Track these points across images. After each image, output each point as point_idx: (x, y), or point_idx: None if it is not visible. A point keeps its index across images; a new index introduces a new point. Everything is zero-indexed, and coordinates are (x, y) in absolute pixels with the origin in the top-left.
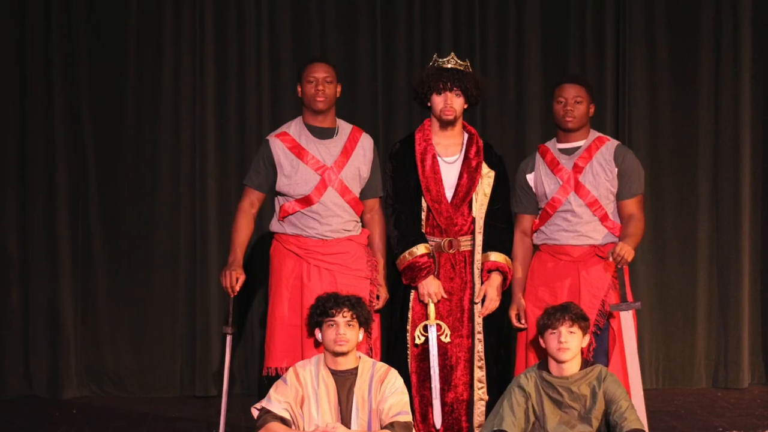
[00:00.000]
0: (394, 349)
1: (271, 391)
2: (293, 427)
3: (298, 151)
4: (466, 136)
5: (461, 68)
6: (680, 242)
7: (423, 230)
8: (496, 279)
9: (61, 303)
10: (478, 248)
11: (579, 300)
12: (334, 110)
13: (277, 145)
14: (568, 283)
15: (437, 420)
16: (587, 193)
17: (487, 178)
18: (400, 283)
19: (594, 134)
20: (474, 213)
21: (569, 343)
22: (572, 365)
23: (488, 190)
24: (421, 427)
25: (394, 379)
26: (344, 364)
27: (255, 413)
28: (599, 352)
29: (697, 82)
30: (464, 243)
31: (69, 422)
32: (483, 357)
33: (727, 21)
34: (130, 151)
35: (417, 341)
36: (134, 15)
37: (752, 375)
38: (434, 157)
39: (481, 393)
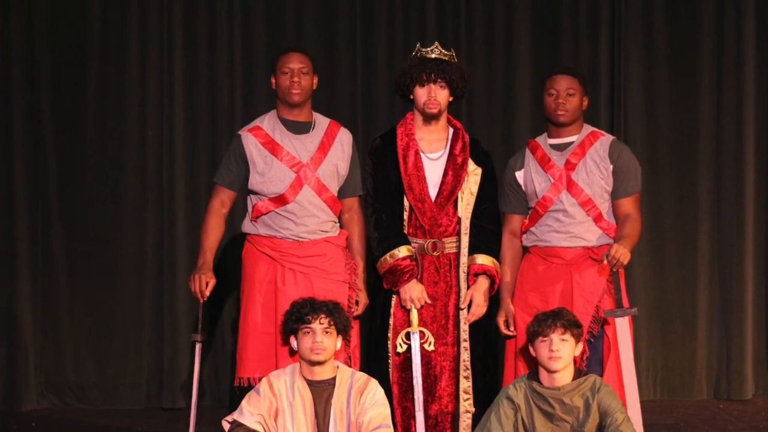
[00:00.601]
0: (375, 358)
1: (243, 402)
2: None
3: (272, 146)
4: (451, 130)
5: (446, 58)
6: (679, 244)
7: (405, 231)
8: (483, 283)
9: (19, 309)
10: (464, 250)
11: (571, 305)
12: (311, 103)
13: (249, 141)
14: (559, 287)
15: None
16: (580, 192)
17: (473, 175)
18: (381, 287)
19: (587, 129)
20: (459, 213)
21: (561, 352)
22: (564, 375)
23: (475, 188)
24: None
25: (375, 390)
26: (321, 373)
27: (226, 426)
28: (593, 361)
29: (698, 74)
30: (449, 245)
31: None
32: (469, 366)
33: (730, 8)
34: (93, 150)
35: (399, 349)
36: (97, 3)
37: (756, 386)
38: (417, 153)
39: (467, 405)
